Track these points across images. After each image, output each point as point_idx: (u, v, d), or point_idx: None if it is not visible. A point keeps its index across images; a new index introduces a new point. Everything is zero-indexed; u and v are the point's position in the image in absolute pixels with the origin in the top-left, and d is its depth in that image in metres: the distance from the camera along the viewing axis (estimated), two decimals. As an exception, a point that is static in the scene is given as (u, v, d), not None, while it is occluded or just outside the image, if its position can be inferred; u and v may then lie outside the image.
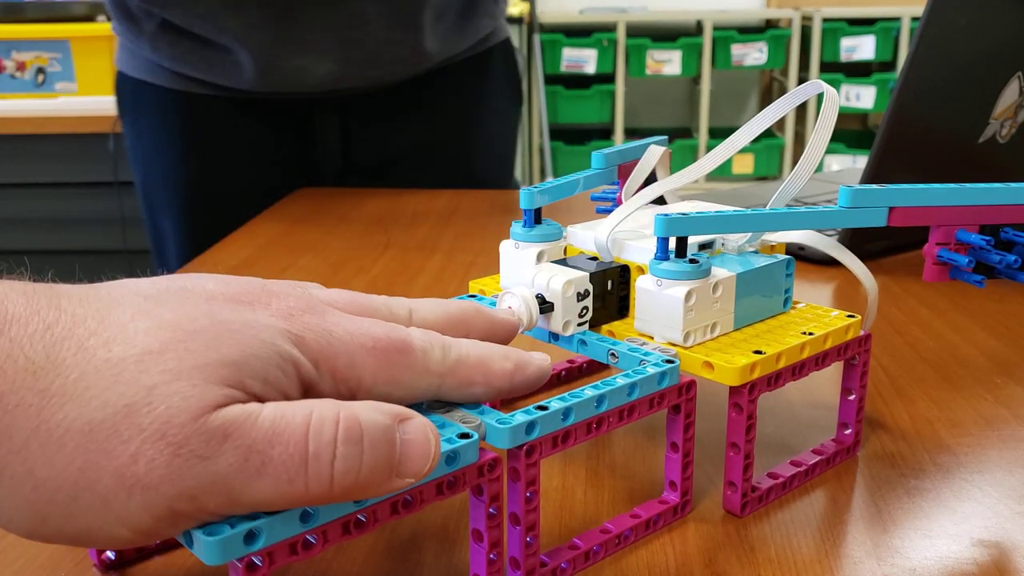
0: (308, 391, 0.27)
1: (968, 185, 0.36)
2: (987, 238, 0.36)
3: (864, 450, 0.42)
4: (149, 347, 0.24)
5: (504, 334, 0.34)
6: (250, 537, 0.24)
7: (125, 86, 1.01)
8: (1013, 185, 0.37)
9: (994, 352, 0.54)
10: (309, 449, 0.24)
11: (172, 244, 1.01)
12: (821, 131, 0.37)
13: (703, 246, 0.40)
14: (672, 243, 0.36)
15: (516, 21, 3.40)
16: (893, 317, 0.59)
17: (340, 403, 0.25)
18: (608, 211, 0.44)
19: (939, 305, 0.62)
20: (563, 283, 0.36)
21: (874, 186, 0.36)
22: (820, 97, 0.39)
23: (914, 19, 3.73)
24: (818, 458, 0.40)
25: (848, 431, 0.41)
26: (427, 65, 0.96)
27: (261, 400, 0.25)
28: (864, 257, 0.72)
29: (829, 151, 3.86)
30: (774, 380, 0.36)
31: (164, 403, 0.23)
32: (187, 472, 0.23)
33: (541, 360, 0.32)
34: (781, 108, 0.39)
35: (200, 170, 0.99)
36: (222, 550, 0.24)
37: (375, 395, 0.28)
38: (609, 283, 0.38)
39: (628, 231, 0.41)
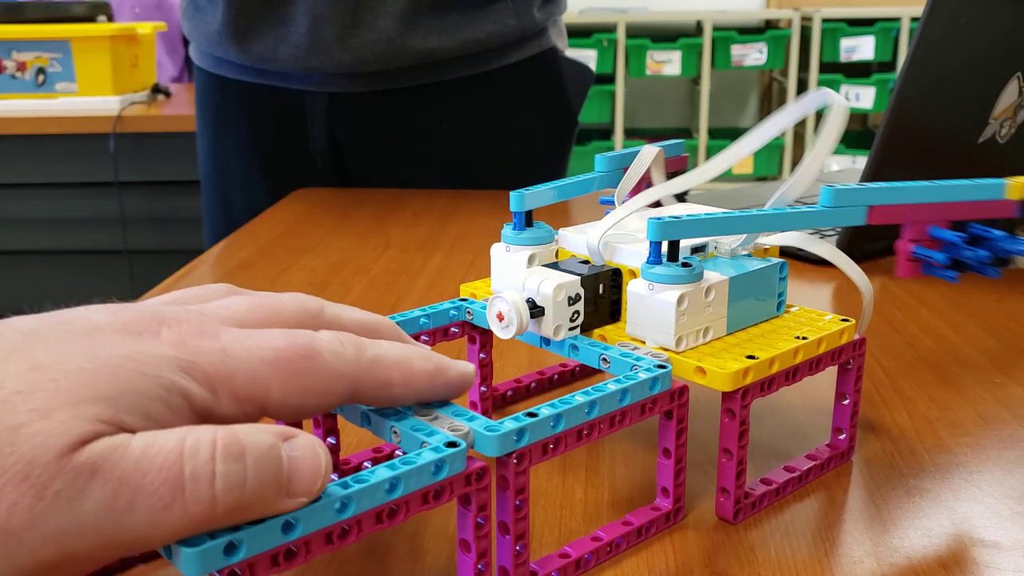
0: (207, 421, 0.26)
1: (941, 182, 0.37)
2: (960, 234, 0.36)
3: (863, 450, 0.42)
4: (17, 387, 0.23)
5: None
6: (231, 548, 0.23)
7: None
8: (982, 181, 0.37)
9: (994, 352, 0.54)
10: (185, 471, 0.23)
11: (205, 217, 1.10)
12: (825, 141, 0.37)
13: (696, 249, 0.40)
14: (664, 247, 0.36)
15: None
16: (893, 317, 0.60)
17: (217, 426, 0.24)
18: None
19: (939, 305, 0.62)
20: (554, 287, 0.36)
21: (853, 185, 0.36)
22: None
23: (914, 19, 3.73)
24: (812, 463, 0.39)
25: (842, 436, 0.40)
26: (409, 60, 0.93)
27: None
28: (864, 257, 0.72)
29: (829, 151, 3.86)
30: (767, 385, 0.36)
31: (28, 442, 0.22)
32: (51, 516, 0.22)
33: (464, 366, 0.31)
34: (788, 118, 0.39)
35: (209, 146, 1.05)
36: (202, 561, 0.23)
37: (287, 408, 0.27)
38: (600, 287, 0.38)
39: (620, 234, 0.41)
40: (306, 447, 0.25)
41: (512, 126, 1.00)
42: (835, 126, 0.37)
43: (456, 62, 0.96)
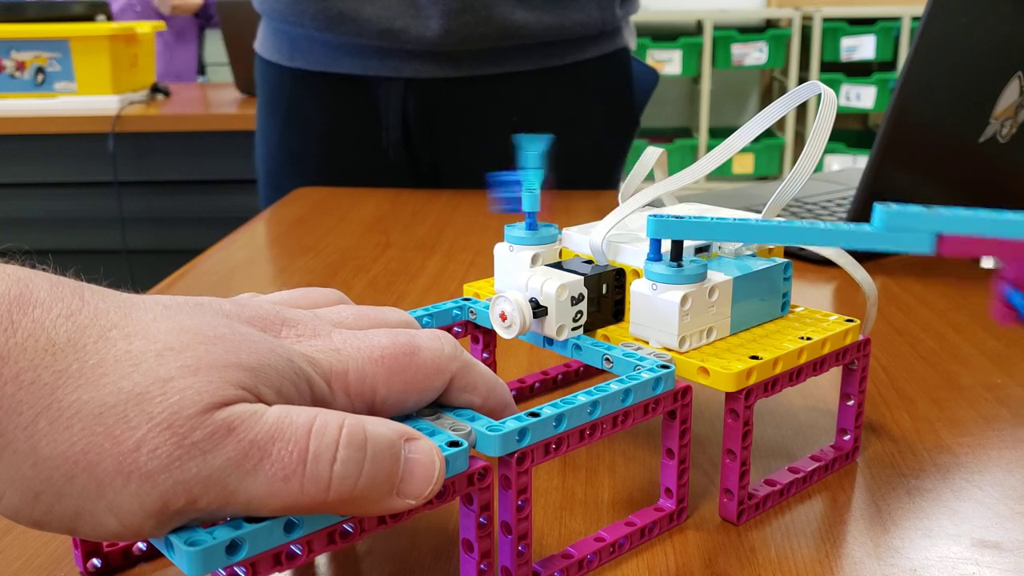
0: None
1: None
2: None
3: (864, 450, 0.42)
4: (170, 344, 0.25)
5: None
6: (232, 548, 0.23)
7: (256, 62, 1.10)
8: None
9: (994, 352, 0.53)
10: (310, 448, 0.24)
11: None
12: (819, 133, 0.37)
13: (699, 249, 0.39)
14: (667, 246, 0.36)
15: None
16: (893, 317, 0.59)
17: (347, 413, 0.26)
18: (510, 210, 0.42)
19: (939, 305, 0.62)
20: (557, 287, 0.36)
21: (919, 208, 0.32)
22: (820, 97, 0.39)
23: (914, 19, 3.73)
24: (816, 464, 0.39)
25: (847, 437, 0.40)
26: (493, 38, 0.92)
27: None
28: (865, 257, 0.72)
29: (829, 151, 3.86)
30: (771, 386, 0.35)
31: (178, 394, 0.24)
32: (186, 464, 0.23)
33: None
34: (779, 109, 0.39)
35: (279, 140, 1.05)
36: (204, 560, 0.23)
37: (391, 402, 0.29)
38: (604, 287, 0.38)
39: (624, 234, 0.40)
40: (425, 451, 0.26)
41: (581, 122, 1.02)
42: (827, 118, 0.37)
43: (534, 51, 0.96)
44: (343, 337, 0.29)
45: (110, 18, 2.00)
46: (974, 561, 0.34)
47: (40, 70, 1.89)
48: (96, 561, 0.32)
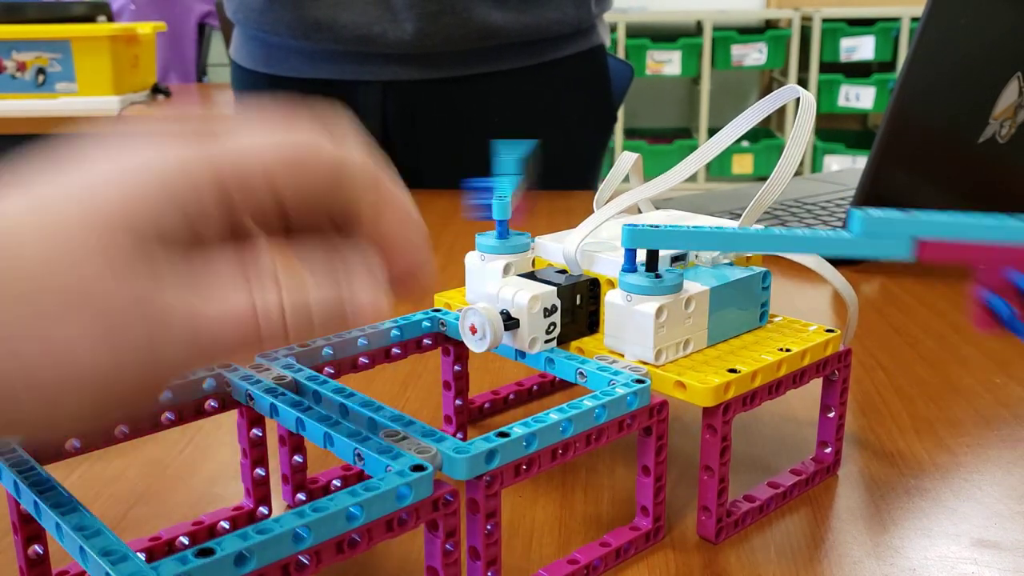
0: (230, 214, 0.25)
1: (1020, 219, 0.30)
2: None
3: (864, 450, 0.42)
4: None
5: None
6: (240, 559, 0.23)
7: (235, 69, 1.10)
8: None
9: (994, 352, 0.54)
10: (262, 339, 0.23)
11: None
12: (798, 137, 0.36)
13: (676, 259, 0.38)
14: (642, 256, 0.35)
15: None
16: (893, 317, 0.59)
17: (284, 284, 0.24)
18: (486, 217, 0.40)
19: (939, 305, 0.62)
20: (529, 298, 0.35)
21: (897, 213, 0.31)
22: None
23: (914, 19, 3.73)
24: (796, 479, 0.38)
25: (828, 450, 0.39)
26: (471, 39, 0.92)
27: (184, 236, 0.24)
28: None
29: (829, 151, 3.86)
30: (750, 400, 0.35)
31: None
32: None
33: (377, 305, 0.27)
34: (757, 113, 0.38)
35: None
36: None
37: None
38: (578, 297, 0.37)
39: (599, 242, 0.39)
40: (370, 300, 0.25)
41: (561, 119, 1.02)
42: (805, 122, 0.36)
43: (512, 50, 0.96)
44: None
45: (111, 19, 2.00)
46: (973, 560, 0.34)
47: (41, 71, 1.89)
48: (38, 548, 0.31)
